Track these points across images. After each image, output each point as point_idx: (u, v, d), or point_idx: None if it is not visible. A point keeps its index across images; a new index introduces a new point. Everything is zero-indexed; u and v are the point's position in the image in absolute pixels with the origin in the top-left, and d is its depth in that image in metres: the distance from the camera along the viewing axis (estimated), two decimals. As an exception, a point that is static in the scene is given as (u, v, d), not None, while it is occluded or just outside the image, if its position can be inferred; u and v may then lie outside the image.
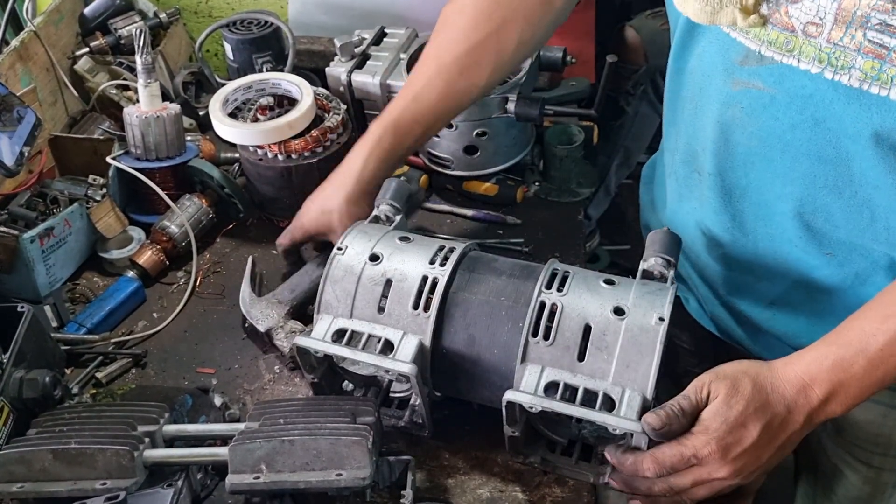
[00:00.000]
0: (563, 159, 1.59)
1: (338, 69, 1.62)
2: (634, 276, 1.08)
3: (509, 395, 0.99)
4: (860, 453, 1.25)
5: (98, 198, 1.46)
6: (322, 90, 1.59)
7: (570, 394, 1.00)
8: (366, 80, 1.60)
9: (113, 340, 1.34)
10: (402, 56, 1.63)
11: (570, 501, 1.08)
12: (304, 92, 1.52)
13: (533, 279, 1.07)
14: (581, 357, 1.00)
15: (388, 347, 1.06)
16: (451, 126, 1.50)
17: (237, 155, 1.62)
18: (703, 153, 1.12)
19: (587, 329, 1.01)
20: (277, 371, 1.29)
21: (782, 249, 1.10)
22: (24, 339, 1.15)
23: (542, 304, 1.03)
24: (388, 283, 1.08)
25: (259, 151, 1.50)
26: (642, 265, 1.08)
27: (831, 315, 1.04)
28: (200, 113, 1.77)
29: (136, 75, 1.55)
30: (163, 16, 1.97)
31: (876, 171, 0.96)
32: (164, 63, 1.84)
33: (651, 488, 0.97)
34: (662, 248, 1.09)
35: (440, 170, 1.59)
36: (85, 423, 1.07)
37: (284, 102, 1.56)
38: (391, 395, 1.16)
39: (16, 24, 1.80)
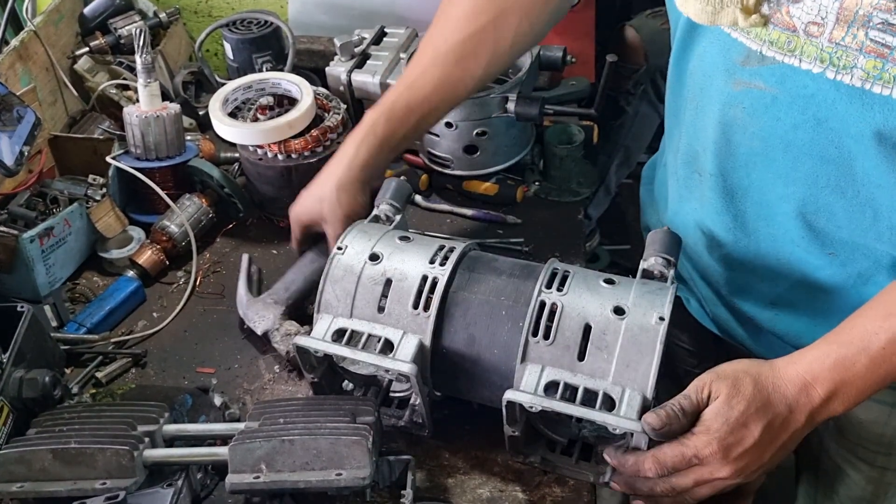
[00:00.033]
0: (563, 159, 1.59)
1: (338, 69, 1.62)
2: (634, 276, 1.08)
3: (509, 395, 0.99)
4: (863, 453, 1.24)
5: (98, 197, 1.46)
6: (322, 90, 1.59)
7: (570, 393, 1.00)
8: (366, 79, 1.60)
9: (113, 340, 1.34)
10: (402, 56, 1.63)
11: (570, 501, 1.08)
12: (303, 91, 1.52)
13: (533, 279, 1.06)
14: (581, 357, 1.00)
15: (387, 347, 1.05)
16: (450, 126, 1.50)
17: (237, 154, 1.62)
18: (704, 154, 1.11)
19: (587, 328, 1.01)
20: (277, 371, 1.29)
21: (784, 249, 1.10)
22: (24, 338, 1.15)
23: (542, 304, 1.03)
24: (388, 282, 1.08)
25: (259, 151, 1.50)
26: (642, 265, 1.08)
27: (833, 315, 1.03)
28: (200, 112, 1.77)
29: (135, 75, 1.55)
30: (162, 15, 1.97)
31: (878, 171, 0.96)
32: (163, 63, 1.84)
33: (653, 489, 0.97)
34: (662, 248, 1.09)
35: (440, 169, 1.59)
36: (85, 422, 1.07)
37: (284, 102, 1.56)
38: (391, 394, 1.16)
39: (15, 23, 1.80)
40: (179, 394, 1.16)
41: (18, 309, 1.18)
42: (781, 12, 0.93)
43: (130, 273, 1.44)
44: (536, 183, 1.61)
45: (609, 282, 1.05)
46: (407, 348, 1.04)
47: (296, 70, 1.71)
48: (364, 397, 1.15)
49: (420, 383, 1.04)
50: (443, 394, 1.13)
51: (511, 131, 1.54)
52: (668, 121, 1.24)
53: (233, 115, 1.53)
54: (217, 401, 1.19)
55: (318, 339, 1.07)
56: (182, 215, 1.47)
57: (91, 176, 1.49)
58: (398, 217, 1.22)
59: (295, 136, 1.47)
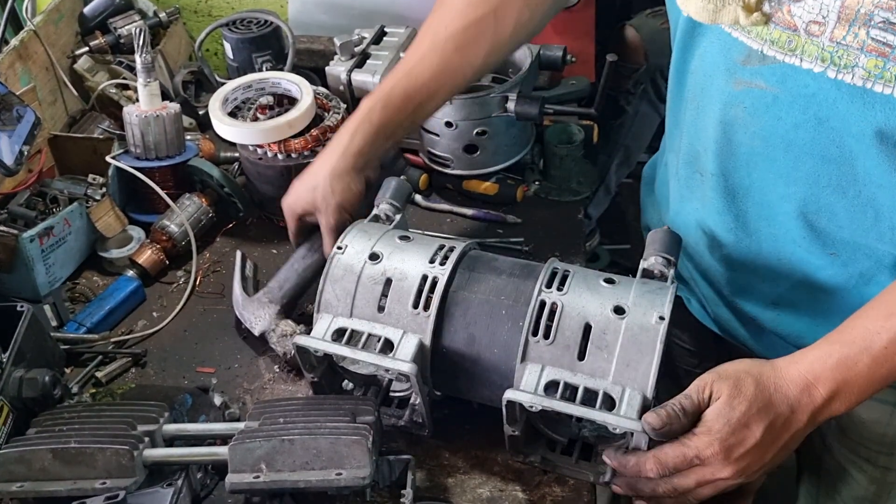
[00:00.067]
0: (563, 158, 1.59)
1: (338, 68, 1.62)
2: (634, 276, 1.08)
3: (509, 395, 0.99)
4: (866, 453, 1.24)
5: (98, 197, 1.46)
6: (322, 89, 1.58)
7: (570, 393, 1.00)
8: (366, 79, 1.60)
9: (112, 340, 1.34)
10: (402, 55, 1.62)
11: (571, 501, 1.08)
12: (303, 91, 1.52)
13: (533, 278, 1.06)
14: (581, 356, 1.00)
15: (387, 346, 1.05)
16: (450, 125, 1.50)
17: (237, 154, 1.62)
18: (705, 153, 1.11)
19: (587, 328, 1.01)
20: (277, 370, 1.29)
21: (786, 249, 1.10)
22: (24, 338, 1.15)
23: (543, 303, 1.03)
24: (388, 282, 1.08)
25: (259, 150, 1.50)
26: (642, 264, 1.08)
27: (835, 315, 1.03)
28: (200, 112, 1.77)
29: (135, 74, 1.55)
30: (162, 15, 1.97)
31: (880, 170, 0.96)
32: (163, 62, 1.84)
33: (655, 490, 0.97)
34: (662, 247, 1.08)
35: (440, 169, 1.59)
36: (84, 422, 1.07)
37: (284, 101, 1.56)
38: (391, 394, 1.16)
39: (15, 23, 1.80)
40: (179, 393, 1.16)
41: (18, 308, 1.18)
42: (783, 11, 0.93)
43: (130, 273, 1.44)
44: (536, 182, 1.61)
45: (609, 281, 1.05)
46: (407, 348, 1.04)
47: (296, 69, 1.71)
48: (364, 397, 1.15)
49: (420, 383, 1.03)
50: (443, 393, 1.13)
51: (511, 131, 1.54)
52: (669, 120, 1.24)
53: (233, 114, 1.53)
54: (217, 400, 1.19)
55: (318, 338, 1.06)
56: (182, 215, 1.47)
57: (91, 175, 1.49)
58: (398, 216, 1.22)
59: (295, 136, 1.47)
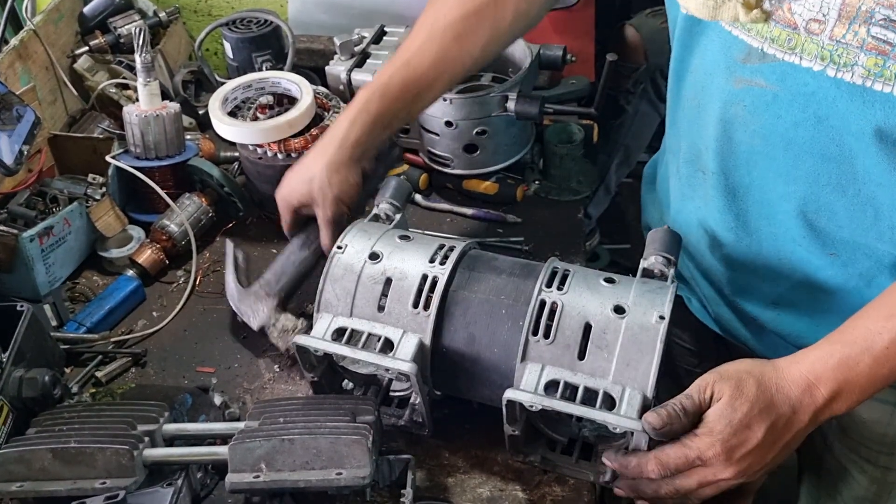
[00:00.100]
0: (563, 158, 1.59)
1: (337, 68, 1.62)
2: (635, 275, 1.08)
3: (509, 394, 0.99)
4: (866, 453, 1.24)
5: (97, 197, 1.46)
6: (322, 89, 1.58)
7: (570, 392, 1.00)
8: (365, 78, 1.60)
9: (112, 339, 1.34)
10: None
11: (571, 500, 1.08)
12: (303, 90, 1.52)
13: (533, 278, 1.06)
14: (581, 355, 1.00)
15: (388, 346, 1.05)
16: (450, 124, 1.50)
17: (237, 154, 1.62)
18: (706, 152, 1.11)
19: (587, 327, 1.01)
20: (277, 370, 1.28)
21: (786, 249, 1.10)
22: (24, 338, 1.15)
23: (543, 303, 1.03)
24: (388, 281, 1.08)
25: (259, 150, 1.50)
26: (642, 263, 1.08)
27: (836, 315, 1.03)
28: (200, 112, 1.77)
29: (135, 74, 1.55)
30: (162, 14, 1.97)
31: (879, 169, 0.96)
32: (163, 62, 1.84)
33: (657, 491, 0.97)
34: (663, 247, 1.08)
35: (440, 168, 1.59)
36: (84, 422, 1.07)
37: (284, 101, 1.56)
38: (391, 393, 1.16)
39: (15, 22, 1.80)
40: (179, 393, 1.16)
41: (18, 308, 1.18)
42: (783, 9, 0.93)
43: (130, 272, 1.44)
44: (536, 182, 1.61)
45: (609, 281, 1.05)
46: (407, 347, 1.04)
47: (295, 69, 1.71)
48: (364, 396, 1.15)
49: (420, 382, 1.03)
50: (443, 393, 1.13)
51: (511, 130, 1.54)
52: (670, 119, 1.23)
53: (232, 114, 1.53)
54: (217, 400, 1.19)
55: (318, 338, 1.06)
56: (182, 214, 1.47)
57: (91, 175, 1.49)
58: (398, 216, 1.22)
59: (295, 135, 1.47)
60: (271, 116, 1.50)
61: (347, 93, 1.62)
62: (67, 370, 1.29)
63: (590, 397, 0.98)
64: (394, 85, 1.23)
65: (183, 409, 1.13)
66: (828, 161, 0.99)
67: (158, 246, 1.46)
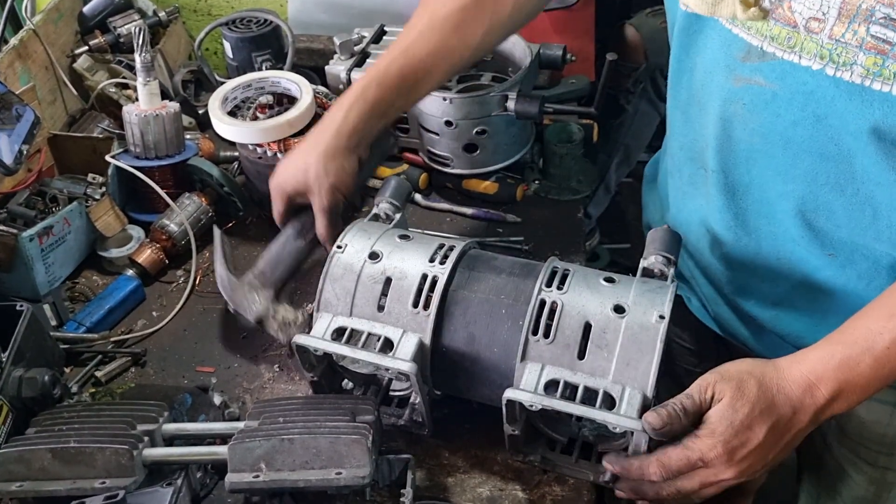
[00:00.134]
0: (563, 157, 1.59)
1: (337, 67, 1.62)
2: (635, 275, 1.08)
3: (509, 394, 0.99)
4: (865, 453, 1.24)
5: (97, 196, 1.46)
6: (322, 88, 1.58)
7: (570, 392, 1.00)
8: (365, 78, 1.60)
9: (112, 339, 1.33)
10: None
11: (571, 500, 1.08)
12: (303, 90, 1.52)
13: (533, 277, 1.06)
14: (581, 355, 1.00)
15: (387, 346, 1.05)
16: (450, 124, 1.50)
17: (236, 153, 1.62)
18: (706, 150, 1.11)
19: (587, 327, 1.01)
20: (277, 370, 1.28)
21: (785, 248, 1.10)
22: (24, 337, 1.15)
23: (542, 302, 1.03)
24: (388, 281, 1.08)
25: (258, 150, 1.50)
26: (642, 263, 1.08)
27: (835, 315, 1.03)
28: (200, 111, 1.77)
29: (135, 74, 1.54)
30: (162, 14, 1.97)
31: (878, 168, 0.96)
32: (163, 61, 1.84)
33: (659, 492, 0.97)
34: (663, 246, 1.08)
35: (440, 168, 1.59)
36: (84, 422, 1.07)
37: (284, 101, 1.56)
38: (391, 393, 1.16)
39: (15, 22, 1.80)
40: (179, 393, 1.16)
41: (18, 308, 1.18)
42: (783, 7, 0.93)
43: (130, 272, 1.44)
44: (536, 181, 1.61)
45: (609, 280, 1.05)
46: (407, 347, 1.04)
47: (295, 69, 1.71)
48: (364, 396, 1.15)
49: (420, 382, 1.03)
50: (442, 392, 1.13)
51: (511, 130, 1.54)
52: (670, 117, 1.23)
53: (232, 113, 1.53)
54: (216, 400, 1.19)
55: (318, 337, 1.06)
56: (181, 214, 1.47)
57: (90, 175, 1.49)
58: (398, 216, 1.22)
59: (294, 135, 1.47)
60: (271, 116, 1.50)
61: (347, 92, 1.62)
62: (67, 370, 1.29)
63: (590, 397, 0.98)
64: (392, 73, 1.22)
65: (182, 408, 1.13)
66: (826, 160, 0.99)
67: (158, 246, 1.46)
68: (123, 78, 1.78)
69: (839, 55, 0.91)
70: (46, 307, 1.34)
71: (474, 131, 1.51)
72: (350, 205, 1.28)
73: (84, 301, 1.42)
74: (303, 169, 1.21)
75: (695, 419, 0.94)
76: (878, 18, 0.87)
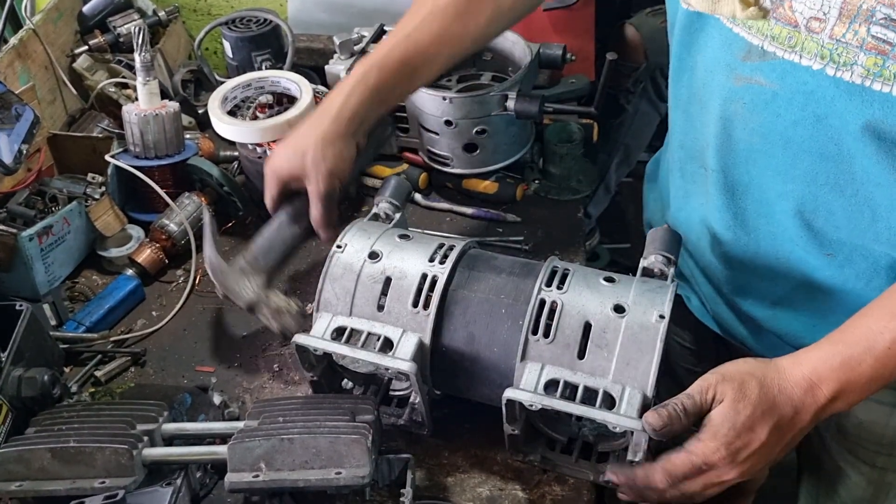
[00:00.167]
0: (563, 157, 1.59)
1: (337, 67, 1.62)
2: (634, 274, 1.08)
3: (509, 393, 0.98)
4: (863, 453, 1.24)
5: (97, 196, 1.46)
6: (321, 88, 1.58)
7: (570, 392, 1.00)
8: (365, 77, 1.59)
9: (112, 339, 1.33)
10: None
11: (570, 500, 1.08)
12: (303, 90, 1.52)
13: (533, 277, 1.06)
14: (581, 355, 1.00)
15: (387, 345, 1.05)
16: (450, 123, 1.50)
17: (236, 153, 1.62)
18: (706, 149, 1.11)
19: (587, 327, 1.01)
20: (276, 369, 1.28)
21: (784, 248, 1.10)
22: (23, 337, 1.15)
23: (542, 302, 1.03)
24: (388, 280, 1.08)
25: (258, 149, 1.50)
26: (642, 262, 1.08)
27: (833, 315, 1.03)
28: (199, 111, 1.77)
29: (135, 73, 1.54)
30: (162, 14, 1.97)
31: (878, 169, 0.96)
32: (163, 61, 1.84)
33: (663, 496, 0.97)
34: (663, 246, 1.08)
35: (440, 168, 1.59)
36: (84, 421, 1.07)
37: (284, 100, 1.56)
38: (391, 393, 1.16)
39: (14, 21, 1.80)
40: (178, 392, 1.15)
41: (17, 307, 1.17)
42: (784, 7, 0.93)
43: (129, 272, 1.44)
44: (536, 181, 1.61)
45: (609, 280, 1.05)
46: (406, 346, 1.04)
47: (295, 68, 1.71)
48: (363, 396, 1.15)
49: (419, 382, 1.03)
50: (442, 392, 1.13)
51: (511, 129, 1.54)
52: (671, 116, 1.23)
53: (232, 113, 1.52)
54: (216, 399, 1.19)
55: (318, 337, 1.06)
56: (181, 214, 1.47)
57: (90, 174, 1.49)
58: (397, 215, 1.22)
59: (294, 135, 1.47)
60: (271, 116, 1.50)
61: (347, 92, 1.62)
62: (67, 369, 1.29)
63: (589, 396, 0.98)
64: (393, 58, 1.20)
65: (182, 408, 1.13)
66: (826, 160, 0.99)
67: (158, 245, 1.46)
68: (123, 77, 1.78)
69: (840, 55, 0.91)
70: (46, 307, 1.34)
71: (474, 131, 1.51)
72: (346, 192, 1.25)
73: (84, 301, 1.41)
74: (300, 153, 1.18)
75: (695, 419, 0.94)
76: (878, 19, 0.87)
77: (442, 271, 1.07)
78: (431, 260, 1.09)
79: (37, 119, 1.40)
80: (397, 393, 1.16)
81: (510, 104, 1.48)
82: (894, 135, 0.92)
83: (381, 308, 1.08)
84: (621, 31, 2.32)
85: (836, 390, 0.93)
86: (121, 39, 1.89)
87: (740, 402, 0.92)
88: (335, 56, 1.64)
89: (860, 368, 0.93)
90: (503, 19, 1.28)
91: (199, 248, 1.48)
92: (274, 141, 1.46)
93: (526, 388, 0.99)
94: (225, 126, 1.48)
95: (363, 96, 1.19)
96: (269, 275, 1.22)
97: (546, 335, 1.01)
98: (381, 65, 1.20)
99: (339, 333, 1.07)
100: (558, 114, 1.63)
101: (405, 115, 1.56)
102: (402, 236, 1.13)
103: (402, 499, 1.03)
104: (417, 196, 1.58)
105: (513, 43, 1.61)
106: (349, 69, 1.60)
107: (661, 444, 0.96)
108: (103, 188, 1.47)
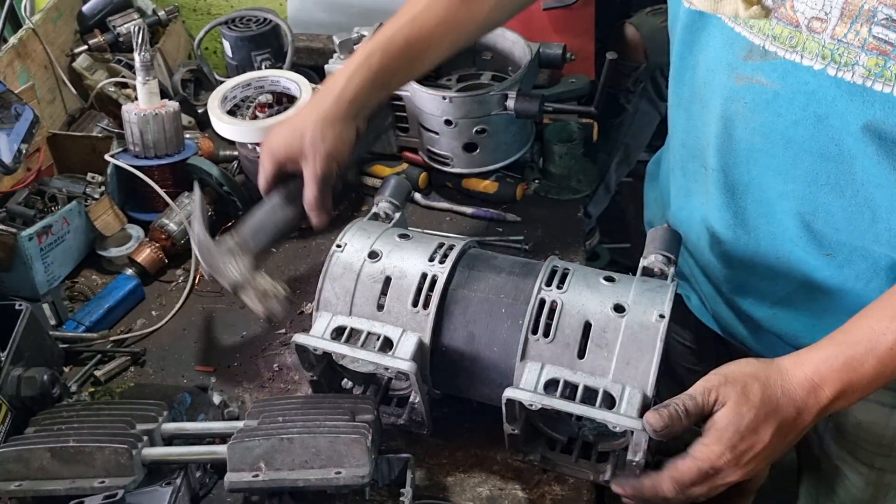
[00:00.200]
0: (563, 156, 1.59)
1: (337, 66, 1.62)
2: (635, 274, 1.08)
3: (509, 393, 0.98)
4: (862, 454, 1.24)
5: (96, 195, 1.46)
6: (321, 87, 1.58)
7: (569, 391, 1.00)
8: (365, 77, 1.59)
9: (111, 338, 1.33)
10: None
11: (570, 499, 1.08)
12: (303, 89, 1.52)
13: (533, 276, 1.06)
14: (581, 354, 1.00)
15: (387, 345, 1.05)
16: (450, 123, 1.50)
17: (236, 152, 1.62)
18: (707, 148, 1.11)
19: (587, 326, 1.00)
20: (276, 369, 1.28)
21: (784, 248, 1.10)
22: (23, 337, 1.15)
23: (542, 302, 1.03)
24: (388, 280, 1.08)
25: (258, 149, 1.50)
26: (642, 262, 1.08)
27: (833, 315, 1.03)
28: (199, 110, 1.77)
29: (134, 73, 1.54)
30: (161, 13, 1.97)
31: (878, 169, 0.95)
32: (162, 60, 1.84)
33: (668, 499, 0.97)
34: (663, 245, 1.08)
35: (440, 167, 1.59)
36: (83, 421, 1.07)
37: (283, 100, 1.56)
38: (390, 392, 1.16)
39: (14, 21, 1.80)
40: (178, 392, 1.15)
41: (17, 307, 1.17)
42: (786, 6, 0.93)
43: (129, 271, 1.44)
44: (536, 181, 1.61)
45: (609, 279, 1.05)
46: (406, 346, 1.04)
47: (295, 68, 1.71)
48: (363, 395, 1.15)
49: (419, 381, 1.03)
50: (442, 392, 1.13)
51: (511, 129, 1.54)
52: (672, 115, 1.23)
53: (232, 112, 1.52)
54: (216, 399, 1.19)
55: (318, 337, 1.06)
56: (181, 213, 1.47)
57: (90, 174, 1.49)
58: (397, 215, 1.22)
59: (294, 134, 1.46)
60: (271, 115, 1.50)
61: (347, 91, 1.62)
62: (66, 369, 1.29)
63: (589, 396, 0.98)
64: (397, 42, 1.19)
65: (182, 408, 1.13)
66: (826, 160, 0.99)
67: (157, 245, 1.46)
68: (123, 77, 1.78)
69: (841, 55, 0.91)
70: (45, 306, 1.34)
71: (474, 130, 1.51)
72: (343, 178, 1.22)
73: (83, 300, 1.41)
74: (298, 133, 1.16)
75: (696, 420, 0.94)
76: (880, 19, 0.87)
77: (442, 271, 1.07)
78: (431, 259, 1.09)
79: (36, 118, 1.40)
80: (397, 392, 1.16)
81: (510, 104, 1.48)
82: (895, 136, 0.92)
83: (380, 307, 1.07)
84: (621, 31, 2.32)
85: (839, 391, 0.93)
86: (120, 39, 1.89)
87: (744, 406, 0.92)
88: (335, 55, 1.64)
89: (862, 369, 0.93)
90: (508, 6, 1.27)
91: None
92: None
93: (526, 388, 0.99)
94: (224, 125, 1.48)
95: (365, 79, 1.17)
96: (258, 257, 1.19)
97: (546, 335, 1.01)
98: (385, 48, 1.18)
99: (338, 333, 1.07)
100: (558, 113, 1.63)
101: (405, 114, 1.56)
102: (402, 236, 1.13)
103: (401, 498, 1.02)
104: (417, 196, 1.58)
105: (513, 42, 1.61)
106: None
107: (661, 443, 0.96)
108: (103, 188, 1.47)
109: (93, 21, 1.89)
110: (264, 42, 1.75)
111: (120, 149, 1.53)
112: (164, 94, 1.59)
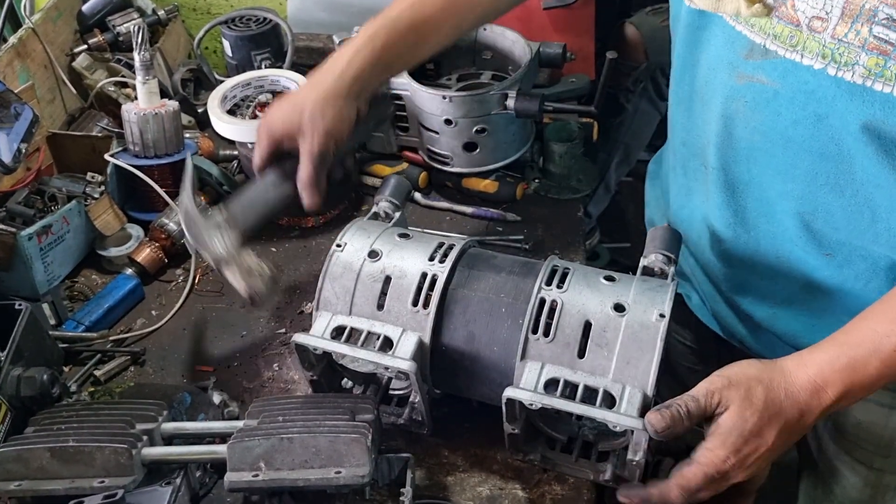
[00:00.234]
0: (563, 156, 1.59)
1: (337, 66, 1.61)
2: (635, 273, 1.07)
3: (509, 392, 0.98)
4: (861, 454, 1.24)
5: (96, 195, 1.46)
6: (321, 87, 1.58)
7: (570, 391, 1.00)
8: (365, 76, 1.59)
9: (111, 338, 1.33)
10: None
11: (570, 499, 1.08)
12: (302, 88, 1.51)
13: (533, 276, 1.06)
14: (581, 354, 1.00)
15: (387, 344, 1.05)
16: (450, 122, 1.50)
17: (236, 152, 1.62)
18: (707, 147, 1.11)
19: (587, 326, 1.00)
20: (276, 369, 1.28)
21: (784, 248, 1.10)
22: (22, 336, 1.15)
23: (542, 301, 1.03)
24: (388, 279, 1.08)
25: (258, 148, 1.50)
26: (643, 261, 1.08)
27: (832, 315, 1.03)
28: (199, 110, 1.77)
29: (134, 72, 1.54)
30: (161, 13, 1.97)
31: (877, 169, 0.95)
32: (162, 60, 1.84)
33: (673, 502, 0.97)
34: (663, 245, 1.08)
35: (439, 167, 1.59)
36: (83, 421, 1.07)
37: (283, 99, 1.56)
38: (390, 392, 1.16)
39: (14, 20, 1.80)
40: (178, 392, 1.15)
41: (17, 307, 1.17)
42: (787, 5, 0.93)
43: (129, 271, 1.44)
44: (536, 180, 1.61)
45: (609, 279, 1.05)
46: (406, 346, 1.04)
47: (295, 67, 1.71)
48: (363, 395, 1.15)
49: (419, 381, 1.03)
50: (442, 391, 1.13)
51: (511, 128, 1.54)
52: (672, 114, 1.23)
53: (232, 112, 1.52)
54: (216, 399, 1.19)
55: (318, 336, 1.06)
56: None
57: (89, 173, 1.49)
58: (397, 214, 1.21)
59: (294, 134, 1.46)
60: (270, 114, 1.50)
61: (347, 91, 1.62)
62: (66, 369, 1.29)
63: (590, 395, 0.98)
64: (402, 23, 1.18)
65: (182, 407, 1.13)
66: (826, 160, 0.99)
67: (157, 244, 1.46)
68: (122, 76, 1.78)
69: (841, 55, 0.91)
70: (45, 306, 1.34)
71: (474, 130, 1.51)
72: (341, 162, 1.20)
73: (83, 300, 1.41)
74: (298, 109, 1.14)
75: (697, 422, 0.94)
76: (881, 19, 0.86)
77: (442, 270, 1.07)
78: (431, 259, 1.09)
79: (36, 118, 1.40)
80: (397, 392, 1.16)
81: (510, 103, 1.48)
82: (894, 135, 0.92)
83: (380, 307, 1.07)
84: (621, 30, 2.32)
85: (842, 392, 0.93)
86: (120, 38, 1.88)
87: (747, 410, 0.92)
88: (335, 55, 1.64)
89: (866, 371, 0.93)
90: None
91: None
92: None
93: (526, 388, 0.99)
94: (224, 125, 1.48)
95: (369, 58, 1.16)
96: (245, 233, 1.16)
97: (546, 334, 1.01)
98: (390, 28, 1.17)
99: (338, 332, 1.07)
100: (558, 113, 1.63)
101: (405, 114, 1.56)
102: (402, 235, 1.13)
103: (401, 498, 1.02)
104: (417, 195, 1.58)
105: (513, 42, 1.61)
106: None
107: (661, 443, 0.96)
108: (103, 187, 1.47)
109: (92, 20, 1.89)
110: (264, 41, 1.75)
111: (120, 148, 1.53)
112: (163, 93, 1.59)
